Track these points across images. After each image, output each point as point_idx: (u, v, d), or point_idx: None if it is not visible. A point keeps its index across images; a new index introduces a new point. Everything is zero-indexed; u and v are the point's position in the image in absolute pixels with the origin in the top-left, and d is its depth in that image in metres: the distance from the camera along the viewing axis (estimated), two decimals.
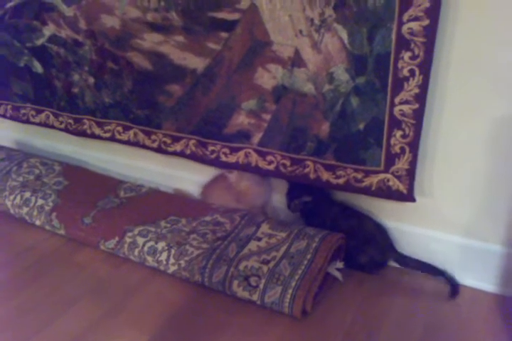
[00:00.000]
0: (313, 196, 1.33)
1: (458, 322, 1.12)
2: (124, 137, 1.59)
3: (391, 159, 1.15)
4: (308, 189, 1.33)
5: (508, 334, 1.07)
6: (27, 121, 1.82)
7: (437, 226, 1.24)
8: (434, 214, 1.23)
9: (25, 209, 1.52)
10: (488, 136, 1.09)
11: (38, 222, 1.50)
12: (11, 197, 1.55)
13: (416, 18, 1.00)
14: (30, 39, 1.65)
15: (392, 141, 1.13)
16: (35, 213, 1.50)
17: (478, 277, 1.21)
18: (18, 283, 1.28)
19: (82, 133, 1.69)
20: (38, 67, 1.69)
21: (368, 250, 1.26)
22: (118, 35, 1.44)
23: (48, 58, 1.64)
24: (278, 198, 1.46)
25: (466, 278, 1.22)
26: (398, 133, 1.12)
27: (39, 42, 1.63)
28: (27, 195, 1.54)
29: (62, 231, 1.45)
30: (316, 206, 1.34)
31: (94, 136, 1.66)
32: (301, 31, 1.15)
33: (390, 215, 1.28)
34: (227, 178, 1.44)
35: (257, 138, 1.34)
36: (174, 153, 1.50)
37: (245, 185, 1.42)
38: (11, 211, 1.55)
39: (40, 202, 1.51)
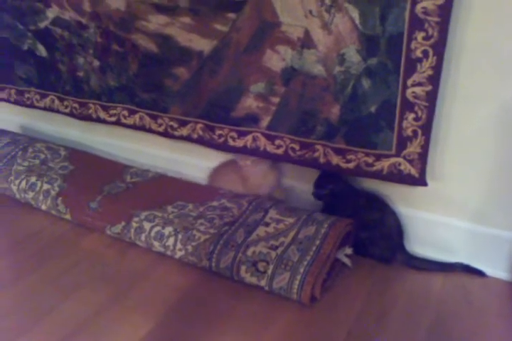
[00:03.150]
0: (337, 185, 1.29)
1: (469, 310, 1.10)
2: (130, 121, 1.57)
3: (403, 142, 1.13)
4: (335, 178, 1.30)
5: None
6: (31, 106, 1.80)
7: (448, 212, 1.22)
8: (444, 200, 1.21)
9: (30, 194, 1.51)
10: (501, 121, 1.07)
11: (43, 207, 1.49)
12: (17, 182, 1.53)
13: None
14: (34, 22, 1.62)
15: (404, 124, 1.11)
16: (40, 198, 1.48)
17: (489, 264, 1.19)
18: (24, 267, 1.27)
19: (88, 118, 1.67)
20: (41, 51, 1.67)
21: (380, 245, 1.24)
22: (123, 17, 1.41)
23: (52, 41, 1.62)
24: (299, 185, 1.42)
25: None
26: (410, 116, 1.09)
27: (42, 24, 1.61)
28: (33, 179, 1.52)
29: (68, 216, 1.44)
30: (340, 195, 1.30)
31: (99, 120, 1.65)
32: (311, 11, 1.12)
33: (400, 200, 1.26)
34: (237, 164, 1.41)
35: (265, 121, 1.31)
36: (181, 138, 1.49)
37: (256, 171, 1.39)
38: (17, 196, 1.54)
39: (45, 186, 1.49)
